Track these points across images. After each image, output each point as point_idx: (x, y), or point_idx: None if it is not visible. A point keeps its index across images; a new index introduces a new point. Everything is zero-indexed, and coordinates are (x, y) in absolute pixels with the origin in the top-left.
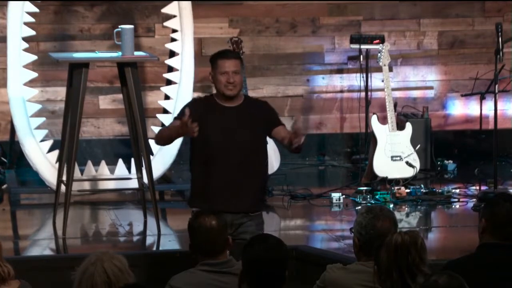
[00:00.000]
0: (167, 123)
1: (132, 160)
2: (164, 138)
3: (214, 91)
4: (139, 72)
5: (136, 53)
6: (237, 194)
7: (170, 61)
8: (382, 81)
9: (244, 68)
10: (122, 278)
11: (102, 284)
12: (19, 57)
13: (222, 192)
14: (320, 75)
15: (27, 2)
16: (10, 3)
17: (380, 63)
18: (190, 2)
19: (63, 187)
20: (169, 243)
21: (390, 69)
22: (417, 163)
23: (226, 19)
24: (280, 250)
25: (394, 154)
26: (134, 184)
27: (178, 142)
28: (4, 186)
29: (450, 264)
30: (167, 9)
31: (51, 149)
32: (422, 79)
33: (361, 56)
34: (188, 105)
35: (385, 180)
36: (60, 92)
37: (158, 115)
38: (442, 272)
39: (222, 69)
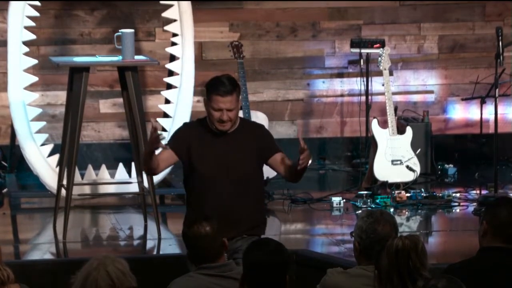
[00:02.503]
0: (167, 127)
1: (133, 164)
2: (145, 163)
3: None
4: (139, 76)
5: (137, 57)
6: (232, 222)
7: (170, 65)
8: (383, 85)
9: (244, 73)
10: (125, 281)
11: None
12: (19, 61)
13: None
14: (321, 79)
15: (28, 6)
16: (11, 8)
17: (381, 67)
18: (190, 6)
19: (63, 191)
20: (170, 247)
21: (391, 73)
22: (417, 167)
23: (227, 23)
24: (281, 254)
25: (395, 158)
26: (134, 188)
27: None
28: (5, 190)
29: (450, 268)
30: (167, 13)
31: (51, 153)
32: (423, 83)
33: (362, 60)
34: (178, 130)
35: (385, 184)
36: (61, 96)
37: (158, 119)
38: (441, 276)
39: (215, 106)
